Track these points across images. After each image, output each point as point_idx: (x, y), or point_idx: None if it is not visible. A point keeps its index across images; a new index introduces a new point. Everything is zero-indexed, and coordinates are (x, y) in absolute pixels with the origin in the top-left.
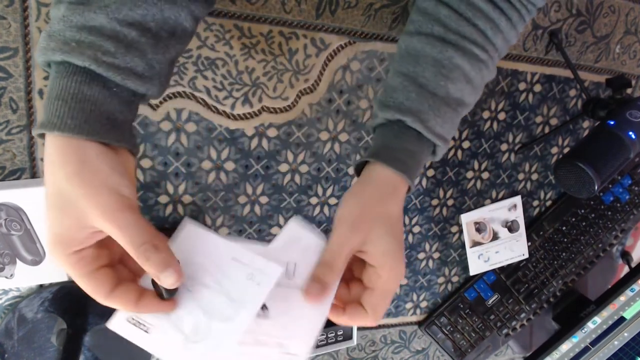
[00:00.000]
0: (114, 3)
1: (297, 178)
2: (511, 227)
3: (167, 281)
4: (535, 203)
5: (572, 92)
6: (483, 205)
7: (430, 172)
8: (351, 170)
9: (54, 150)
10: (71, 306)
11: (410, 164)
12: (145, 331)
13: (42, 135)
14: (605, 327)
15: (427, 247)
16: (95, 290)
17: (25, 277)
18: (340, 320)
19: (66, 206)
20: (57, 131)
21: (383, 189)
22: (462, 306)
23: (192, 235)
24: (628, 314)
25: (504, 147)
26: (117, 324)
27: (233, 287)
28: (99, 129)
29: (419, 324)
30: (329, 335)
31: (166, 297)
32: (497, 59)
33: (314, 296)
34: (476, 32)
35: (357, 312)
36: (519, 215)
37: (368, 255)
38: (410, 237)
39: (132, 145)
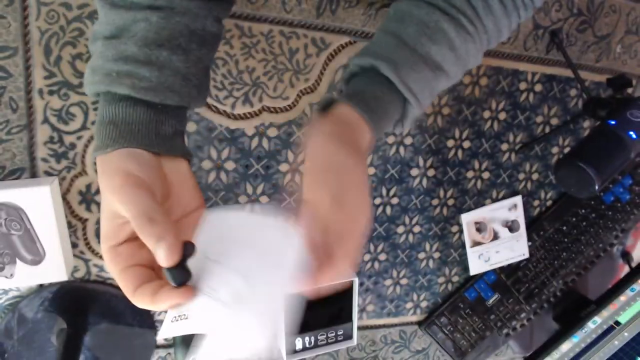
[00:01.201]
0: (142, 30)
1: (297, 178)
2: (511, 227)
3: (158, 255)
4: (536, 203)
5: (573, 92)
6: (483, 205)
7: (431, 172)
8: None
9: (100, 162)
10: (71, 306)
11: (375, 108)
12: (186, 318)
13: None
14: (605, 327)
15: (428, 247)
16: (123, 286)
17: (25, 277)
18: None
19: (102, 201)
20: (110, 149)
21: (342, 127)
22: (462, 306)
23: (214, 219)
24: (628, 314)
25: (504, 146)
26: (167, 331)
27: (269, 251)
28: (147, 143)
29: (419, 323)
30: (329, 335)
31: (175, 283)
32: (486, 44)
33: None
34: (467, 5)
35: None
36: (519, 215)
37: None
38: (410, 237)
39: (183, 152)
